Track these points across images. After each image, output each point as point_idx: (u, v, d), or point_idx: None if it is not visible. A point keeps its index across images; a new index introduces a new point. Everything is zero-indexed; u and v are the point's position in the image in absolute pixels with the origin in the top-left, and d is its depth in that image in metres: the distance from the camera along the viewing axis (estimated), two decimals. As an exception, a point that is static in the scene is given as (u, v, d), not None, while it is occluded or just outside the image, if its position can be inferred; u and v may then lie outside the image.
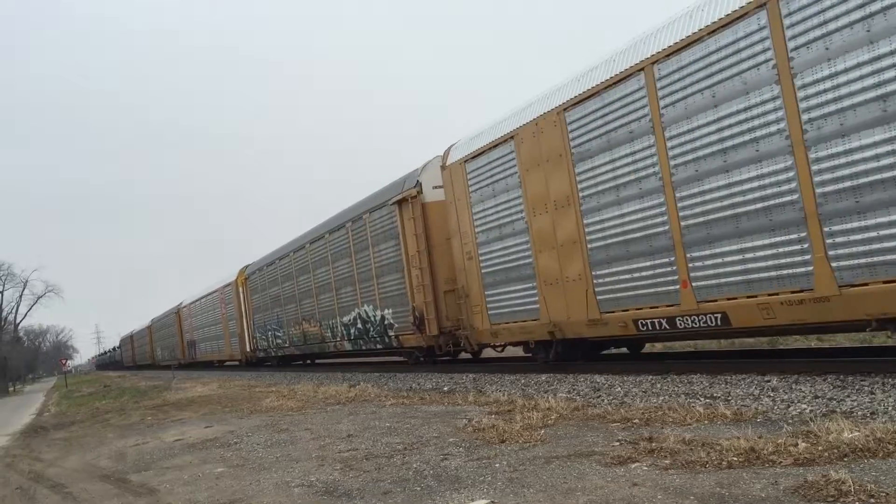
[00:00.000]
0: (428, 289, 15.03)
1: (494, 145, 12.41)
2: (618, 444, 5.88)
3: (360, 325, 18.54)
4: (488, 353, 16.40)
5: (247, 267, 30.33)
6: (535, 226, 11.57)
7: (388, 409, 10.21)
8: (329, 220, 20.98)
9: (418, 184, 15.29)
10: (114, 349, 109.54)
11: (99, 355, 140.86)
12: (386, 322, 16.99)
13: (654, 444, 5.55)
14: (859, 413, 6.00)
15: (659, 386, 8.81)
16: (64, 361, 63.02)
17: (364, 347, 19.04)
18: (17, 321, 73.15)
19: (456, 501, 4.79)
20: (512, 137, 11.90)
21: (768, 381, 7.87)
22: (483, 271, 13.09)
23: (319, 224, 22.03)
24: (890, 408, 5.97)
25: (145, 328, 63.65)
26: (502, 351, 15.03)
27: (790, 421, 6.02)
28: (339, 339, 20.07)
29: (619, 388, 9.14)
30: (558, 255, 11.15)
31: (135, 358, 72.92)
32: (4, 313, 70.27)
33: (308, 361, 29.07)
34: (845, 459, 4.57)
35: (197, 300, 39.83)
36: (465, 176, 13.33)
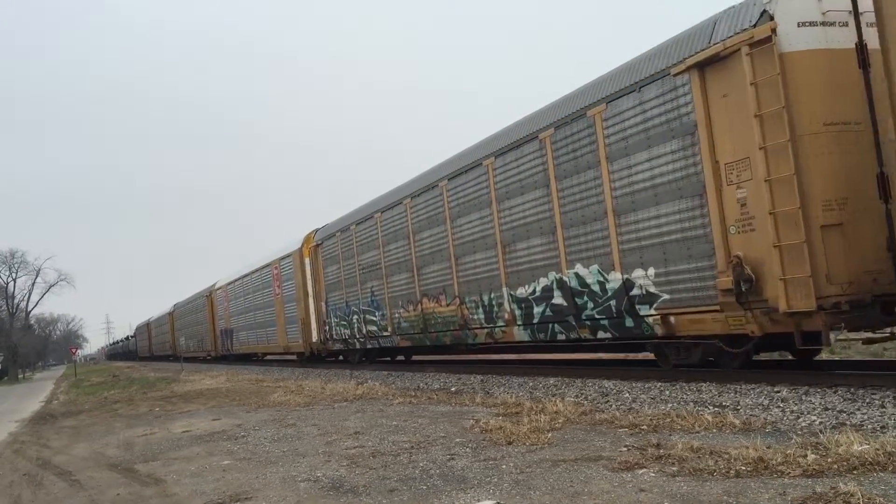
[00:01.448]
0: (789, 220, 7.77)
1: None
2: (625, 449, 5.87)
3: (558, 300, 11.50)
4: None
5: (317, 231, 22.99)
6: None
7: (395, 407, 10.23)
8: (492, 139, 13.68)
9: (765, 16, 8.06)
10: (127, 338, 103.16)
11: (111, 344, 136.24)
12: (636, 291, 10.00)
13: (661, 451, 5.54)
14: (869, 426, 5.96)
15: (668, 393, 8.78)
16: (74, 350, 63.40)
17: (562, 336, 11.66)
18: (29, 309, 73.60)
19: (462, 501, 4.80)
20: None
21: (778, 392, 7.83)
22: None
23: (465, 150, 14.78)
24: (901, 422, 5.93)
25: (165, 314, 57.41)
26: None
27: (799, 432, 5.99)
28: (502, 322, 13.07)
29: (628, 394, 9.11)
30: None
31: (151, 348, 67.21)
32: (17, 301, 70.71)
33: (402, 358, 21.26)
34: (854, 472, 4.54)
35: (237, 279, 33.04)
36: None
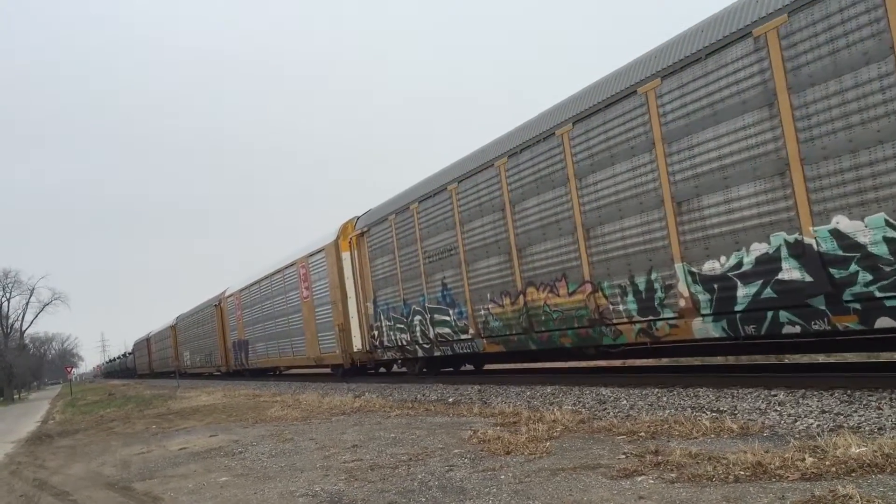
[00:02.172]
0: None
1: None
2: (624, 456, 5.86)
3: (790, 274, 7.86)
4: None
5: (359, 218, 19.11)
6: None
7: (392, 419, 10.20)
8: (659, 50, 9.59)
9: None
10: (125, 355, 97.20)
11: (108, 362, 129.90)
12: None
13: (660, 458, 5.53)
14: (867, 428, 5.97)
15: (665, 399, 8.78)
16: (69, 369, 63.15)
17: (794, 328, 7.94)
18: (24, 329, 73.38)
19: (461, 513, 4.78)
20: None
21: (775, 396, 7.83)
22: None
23: (608, 75, 10.55)
24: (898, 423, 5.93)
25: (167, 328, 52.84)
26: None
27: (797, 435, 5.99)
28: (671, 313, 9.42)
29: (625, 401, 9.11)
30: None
31: (151, 364, 62.56)
32: (11, 321, 70.49)
33: (470, 367, 18.03)
34: (853, 475, 4.54)
35: (252, 284, 28.81)
36: None
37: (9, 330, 69.85)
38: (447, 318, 14.60)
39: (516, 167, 12.04)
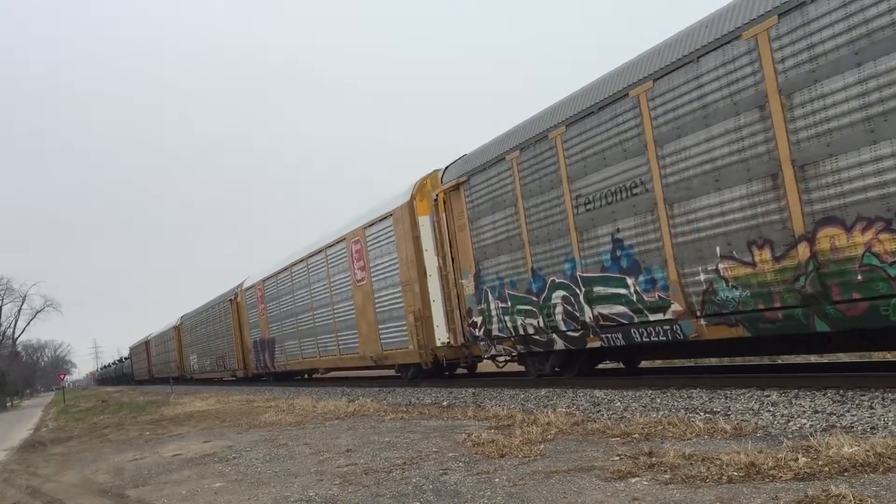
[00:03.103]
0: None
1: None
2: (618, 458, 5.87)
3: None
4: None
5: (447, 168, 14.73)
6: None
7: (387, 423, 10.18)
8: None
9: None
10: (120, 360, 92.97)
11: (102, 368, 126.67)
12: None
13: (654, 459, 5.54)
14: (859, 428, 5.99)
15: (659, 401, 8.80)
16: (62, 376, 62.90)
17: None
18: (16, 336, 73.07)
19: (455, 516, 4.77)
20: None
21: (768, 396, 7.86)
22: None
23: None
24: (890, 423, 5.96)
25: (169, 329, 47.91)
26: None
27: (790, 436, 6.01)
28: None
29: (619, 403, 9.12)
30: None
31: (151, 370, 57.73)
32: (3, 328, 70.21)
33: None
34: (845, 474, 4.56)
35: (282, 271, 24.21)
36: None
37: (1, 337, 69.53)
38: (620, 291, 10.29)
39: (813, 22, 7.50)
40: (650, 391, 9.59)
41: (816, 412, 6.80)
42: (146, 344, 59.79)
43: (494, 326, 13.00)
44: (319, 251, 20.74)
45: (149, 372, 58.72)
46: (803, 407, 7.08)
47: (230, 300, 31.22)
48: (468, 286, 13.71)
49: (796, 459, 4.93)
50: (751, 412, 7.29)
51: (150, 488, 7.48)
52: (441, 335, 14.67)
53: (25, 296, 70.35)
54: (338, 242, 19.38)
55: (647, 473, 5.20)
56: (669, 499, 4.50)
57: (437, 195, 14.41)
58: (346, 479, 6.40)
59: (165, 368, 50.03)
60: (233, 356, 31.34)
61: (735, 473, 4.83)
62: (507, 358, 13.83)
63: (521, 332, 12.32)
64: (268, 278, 25.98)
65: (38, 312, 72.01)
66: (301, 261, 22.41)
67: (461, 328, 14.09)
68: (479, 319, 13.45)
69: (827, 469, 4.68)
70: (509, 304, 12.53)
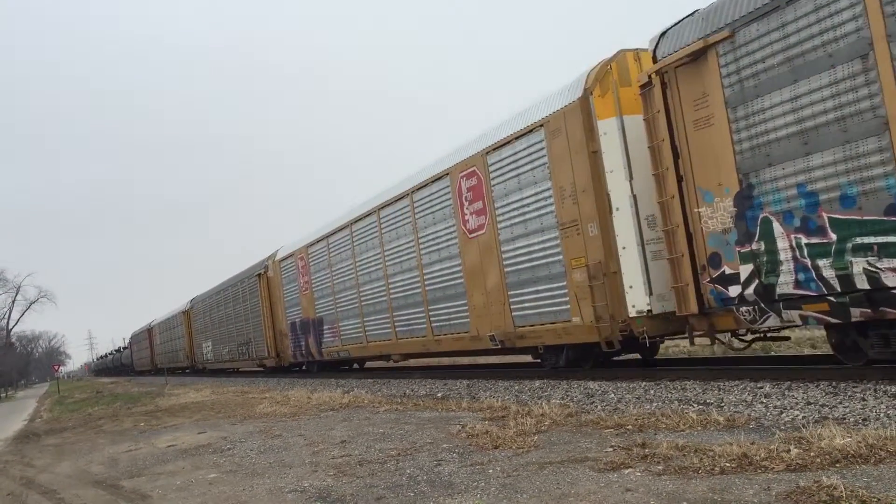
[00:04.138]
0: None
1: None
2: (611, 449, 5.89)
3: None
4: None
5: (670, 31, 9.33)
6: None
7: (381, 414, 10.20)
8: None
9: None
10: (118, 350, 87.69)
11: (99, 358, 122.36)
12: None
13: (647, 450, 5.57)
14: (851, 419, 6.02)
15: (652, 392, 8.83)
16: (56, 367, 62.77)
17: None
18: (10, 327, 72.88)
19: (449, 507, 4.79)
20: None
21: (761, 388, 7.89)
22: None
23: None
24: (882, 414, 6.00)
25: (177, 314, 42.44)
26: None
27: (783, 427, 6.04)
28: None
29: (613, 395, 9.15)
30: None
31: (154, 359, 52.20)
32: (-3, 319, 69.99)
33: None
34: (837, 465, 4.59)
35: (336, 231, 19.18)
36: None
37: (-5, 328, 69.39)
38: None
39: None
40: (644, 383, 9.62)
41: (809, 404, 6.83)
42: (148, 331, 54.37)
43: (785, 278, 8.06)
44: (398, 198, 15.72)
45: (151, 362, 53.32)
46: (796, 398, 7.12)
47: (258, 275, 25.71)
48: (716, 216, 8.86)
49: (788, 451, 4.96)
50: (744, 404, 7.32)
51: (145, 479, 7.49)
52: (637, 299, 9.99)
53: (20, 286, 70.16)
54: (434, 182, 14.25)
55: (640, 464, 5.23)
56: (662, 489, 4.52)
57: (648, 78, 9.47)
58: (340, 470, 6.41)
59: (172, 357, 44.80)
60: (261, 342, 26.00)
61: (727, 464, 4.86)
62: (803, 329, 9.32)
63: (861, 283, 7.24)
64: (314, 243, 20.68)
65: (32, 303, 71.86)
66: (367, 215, 17.23)
67: (693, 286, 9.14)
68: (742, 269, 8.53)
69: (819, 460, 4.71)
70: (833, 236, 7.50)
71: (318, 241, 20.50)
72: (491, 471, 5.64)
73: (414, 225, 15.21)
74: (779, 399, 7.23)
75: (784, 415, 6.59)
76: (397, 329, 16.31)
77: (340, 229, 19.01)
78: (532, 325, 11.85)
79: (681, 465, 5.00)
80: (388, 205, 16.28)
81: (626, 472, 5.09)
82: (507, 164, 12.07)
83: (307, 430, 9.43)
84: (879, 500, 3.82)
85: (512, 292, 12.23)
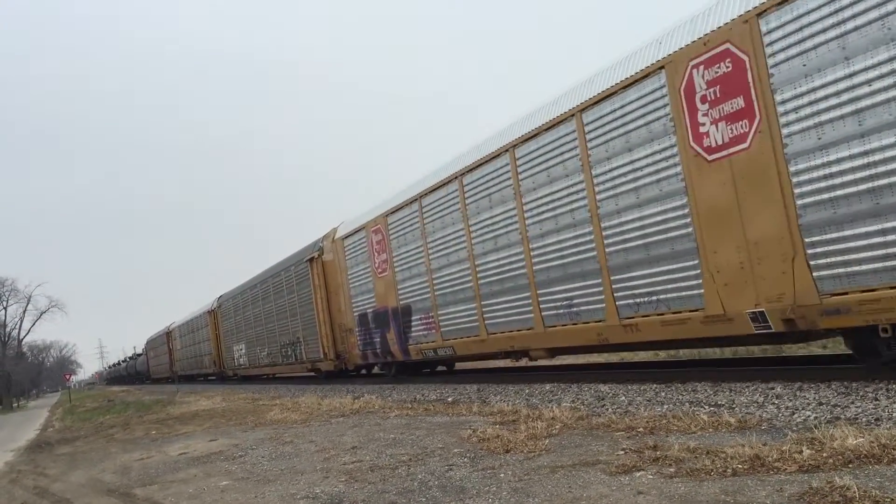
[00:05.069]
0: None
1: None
2: (622, 452, 5.88)
3: None
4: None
5: None
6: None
7: (392, 420, 10.21)
8: None
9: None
10: (132, 357, 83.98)
11: (111, 366, 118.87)
12: None
13: (658, 453, 5.55)
14: (864, 419, 5.99)
15: (663, 394, 8.80)
16: (68, 377, 63.00)
17: None
18: (21, 337, 73.21)
19: (461, 512, 4.79)
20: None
21: (772, 389, 7.86)
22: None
23: None
24: (895, 414, 5.96)
25: (201, 315, 37.99)
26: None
27: (795, 428, 6.02)
28: None
29: (624, 397, 9.13)
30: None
31: (173, 366, 47.61)
32: (8, 329, 70.32)
33: None
34: (850, 466, 4.57)
35: (439, 185, 14.17)
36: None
37: (6, 338, 69.66)
38: None
39: None
40: (655, 385, 9.59)
41: (821, 404, 6.79)
42: (167, 335, 49.83)
43: None
44: (554, 124, 10.83)
45: (170, 368, 48.56)
46: (808, 399, 7.08)
47: (309, 260, 21.11)
48: None
49: (801, 452, 4.94)
50: (755, 405, 7.29)
51: (157, 487, 7.51)
52: None
53: (30, 296, 70.38)
54: (646, 77, 9.22)
55: (651, 467, 5.21)
56: (674, 492, 4.51)
57: None
58: (351, 476, 6.42)
59: (195, 364, 40.34)
60: (313, 341, 21.35)
61: (740, 466, 4.84)
62: None
63: None
64: (396, 210, 15.93)
65: (42, 313, 72.01)
66: (493, 157, 12.37)
67: None
68: None
69: (831, 461, 4.69)
70: None
71: (404, 205, 15.57)
72: (502, 475, 5.64)
73: (584, 155, 10.29)
74: (790, 400, 7.20)
75: (796, 415, 6.56)
76: (544, 313, 11.55)
77: (442, 185, 13.97)
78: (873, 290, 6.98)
79: (692, 468, 4.98)
80: (532, 137, 11.34)
81: (638, 474, 5.08)
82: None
83: (318, 437, 9.45)
84: (893, 500, 3.80)
85: (814, 239, 7.44)
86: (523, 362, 13.53)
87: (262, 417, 13.18)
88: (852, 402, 6.64)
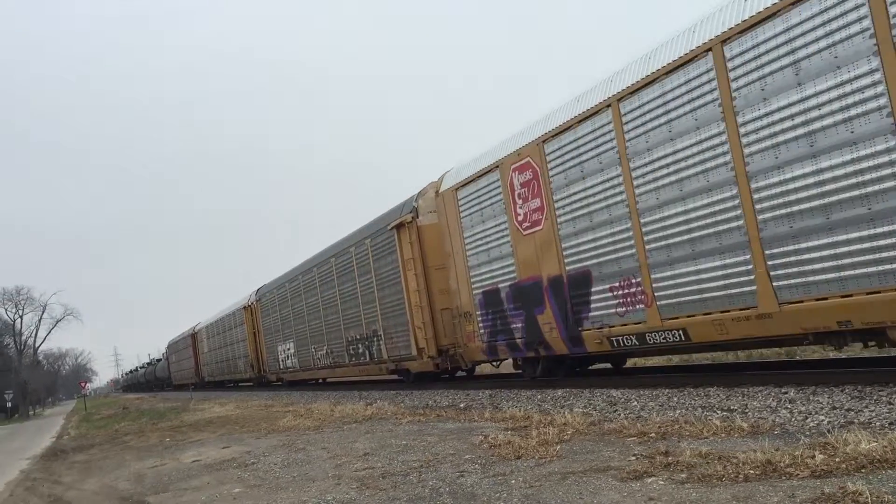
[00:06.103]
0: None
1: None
2: (634, 458, 5.86)
3: None
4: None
5: None
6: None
7: (404, 426, 10.22)
8: None
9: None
10: (151, 362, 79.75)
11: (128, 373, 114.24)
12: None
13: (670, 458, 5.53)
14: (877, 424, 5.95)
15: (675, 399, 8.77)
16: (84, 384, 63.38)
17: None
18: (37, 345, 73.84)
19: (472, 518, 4.79)
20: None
21: (785, 393, 7.82)
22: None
23: None
24: (909, 418, 5.92)
25: (234, 312, 32.87)
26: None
27: (807, 433, 5.98)
28: None
29: (636, 403, 9.10)
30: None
31: (200, 370, 42.73)
32: (24, 337, 70.96)
33: None
34: (863, 471, 4.54)
35: (680, 65, 8.69)
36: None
37: (22, 346, 70.32)
38: None
39: None
40: (667, 390, 9.56)
41: (834, 408, 6.75)
42: (192, 337, 44.26)
43: None
44: None
45: (196, 373, 43.27)
46: (821, 403, 7.04)
47: (397, 226, 15.97)
48: None
49: (813, 457, 4.91)
50: (768, 410, 7.25)
51: (170, 494, 7.55)
52: None
53: (46, 305, 71.12)
54: None
55: (663, 473, 5.20)
56: (685, 498, 4.49)
57: None
58: (363, 483, 6.43)
59: (227, 368, 35.17)
60: (401, 333, 16.42)
61: (751, 472, 4.82)
62: None
63: None
64: (566, 128, 10.89)
65: (58, 321, 72.71)
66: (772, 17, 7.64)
67: None
68: None
69: (844, 466, 4.66)
70: None
71: (583, 118, 10.55)
72: (513, 481, 5.63)
73: None
74: (803, 404, 7.16)
75: (809, 420, 6.52)
76: None
77: (675, 68, 8.91)
78: None
79: (704, 473, 4.96)
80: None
81: (650, 480, 5.06)
82: None
83: (330, 443, 9.47)
84: (906, 505, 3.78)
85: None
86: (856, 349, 8.99)
87: (274, 424, 13.22)
88: (866, 406, 6.59)
